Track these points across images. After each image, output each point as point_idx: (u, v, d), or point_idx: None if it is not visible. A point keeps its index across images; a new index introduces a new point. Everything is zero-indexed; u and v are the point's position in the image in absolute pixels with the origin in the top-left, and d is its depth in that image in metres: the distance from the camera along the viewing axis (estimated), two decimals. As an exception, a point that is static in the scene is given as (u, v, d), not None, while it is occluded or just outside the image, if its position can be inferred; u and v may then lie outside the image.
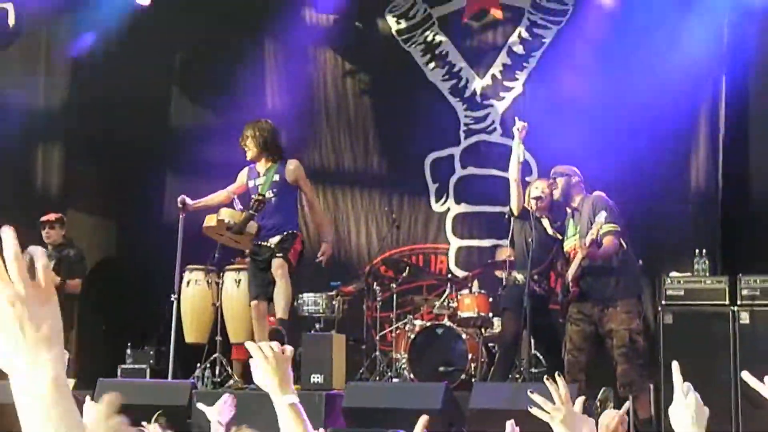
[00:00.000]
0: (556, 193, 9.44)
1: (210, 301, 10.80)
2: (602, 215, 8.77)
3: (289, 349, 3.20)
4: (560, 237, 9.44)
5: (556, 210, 9.52)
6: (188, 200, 9.96)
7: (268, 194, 9.49)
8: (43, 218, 10.97)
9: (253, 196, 9.51)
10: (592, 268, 9.09)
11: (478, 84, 12.49)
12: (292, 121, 12.63)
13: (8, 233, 1.39)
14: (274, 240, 9.47)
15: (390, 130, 12.65)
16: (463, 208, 12.38)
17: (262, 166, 9.66)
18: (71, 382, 10.56)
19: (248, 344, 3.23)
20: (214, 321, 10.76)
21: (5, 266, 1.38)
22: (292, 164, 9.65)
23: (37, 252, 1.45)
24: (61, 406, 1.36)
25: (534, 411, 3.35)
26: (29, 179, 13.02)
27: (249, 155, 9.68)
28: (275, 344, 3.20)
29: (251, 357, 3.18)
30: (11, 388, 1.40)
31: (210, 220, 9.64)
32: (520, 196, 9.46)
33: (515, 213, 9.50)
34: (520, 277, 9.47)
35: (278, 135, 9.85)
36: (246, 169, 9.86)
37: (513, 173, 9.48)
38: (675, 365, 3.03)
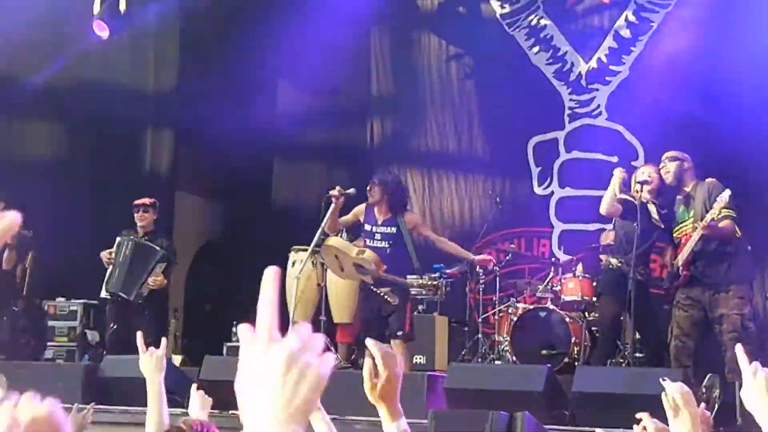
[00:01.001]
0: (669, 177, 9.29)
1: (315, 282, 10.94)
2: (726, 194, 8.67)
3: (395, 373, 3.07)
4: (662, 226, 9.34)
5: (663, 196, 9.41)
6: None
7: (385, 244, 9.43)
8: (138, 201, 10.93)
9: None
10: (704, 253, 8.97)
11: (583, 68, 12.42)
12: (397, 106, 12.72)
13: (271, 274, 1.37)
14: (384, 290, 9.39)
15: (493, 115, 12.67)
16: (567, 192, 12.35)
17: (381, 214, 9.53)
18: (178, 358, 10.83)
19: (374, 347, 3.15)
20: (319, 301, 10.90)
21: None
22: (412, 216, 9.66)
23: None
24: None
25: (666, 397, 3.33)
26: (138, 163, 13.33)
27: (371, 200, 9.53)
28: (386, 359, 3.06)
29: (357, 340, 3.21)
30: None
31: (345, 248, 9.55)
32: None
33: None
34: (614, 261, 9.42)
35: (406, 192, 9.93)
36: (364, 207, 9.65)
37: (603, 208, 9.41)
38: (739, 348, 3.00)
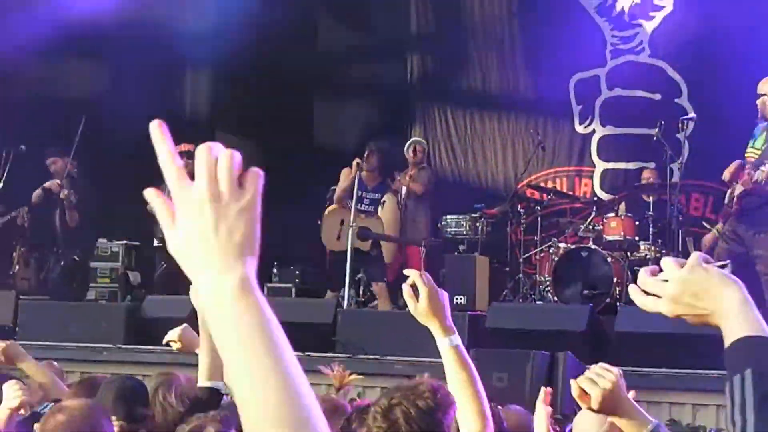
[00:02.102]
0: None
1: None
2: None
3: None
4: None
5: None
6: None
7: (372, 209, 10.31)
8: (182, 148, 10.91)
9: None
10: (760, 190, 8.78)
11: (626, 3, 12.20)
12: (438, 42, 12.58)
13: (224, 151, 1.37)
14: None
15: (535, 52, 12.49)
16: (609, 130, 12.20)
17: (371, 180, 10.28)
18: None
19: (410, 272, 3.25)
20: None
21: (217, 165, 1.35)
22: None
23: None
24: (247, 315, 1.32)
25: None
26: (179, 104, 13.31)
27: (367, 166, 10.22)
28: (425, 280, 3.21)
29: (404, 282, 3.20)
30: (198, 291, 1.37)
31: (337, 214, 10.23)
32: None
33: None
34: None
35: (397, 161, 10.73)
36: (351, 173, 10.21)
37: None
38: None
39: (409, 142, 11.61)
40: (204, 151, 1.37)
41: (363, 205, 10.16)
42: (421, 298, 3.16)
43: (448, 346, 3.16)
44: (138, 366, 8.67)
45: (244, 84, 12.90)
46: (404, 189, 11.20)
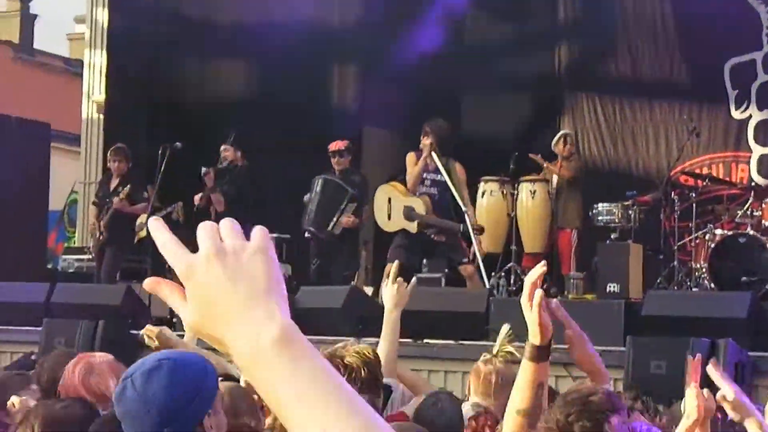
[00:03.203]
0: None
1: (505, 212, 10.85)
2: None
3: None
4: None
5: None
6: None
7: (434, 190, 9.87)
8: (332, 147, 10.89)
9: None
10: None
11: (782, -16, 11.85)
12: (586, 30, 12.41)
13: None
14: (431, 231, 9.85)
15: (688, 37, 12.21)
16: (766, 114, 11.85)
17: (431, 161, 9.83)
18: (369, 290, 10.90)
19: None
20: (509, 231, 10.82)
21: (217, 228, 1.29)
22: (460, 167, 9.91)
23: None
24: (300, 364, 1.20)
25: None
26: (324, 98, 13.41)
27: (425, 147, 9.83)
28: None
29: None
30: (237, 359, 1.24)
31: (402, 191, 9.98)
32: None
33: None
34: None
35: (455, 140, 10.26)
36: (414, 155, 10.01)
37: None
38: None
39: (557, 135, 11.48)
40: (203, 225, 1.30)
41: (423, 187, 9.92)
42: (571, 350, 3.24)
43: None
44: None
45: (392, 78, 12.91)
46: (554, 178, 11.08)
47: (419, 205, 9.80)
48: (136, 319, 10.21)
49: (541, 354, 2.99)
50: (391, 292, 4.81)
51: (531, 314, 2.95)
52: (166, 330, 5.70)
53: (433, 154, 9.67)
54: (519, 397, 2.99)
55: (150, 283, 1.31)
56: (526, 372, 3.00)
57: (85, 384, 4.52)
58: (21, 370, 5.46)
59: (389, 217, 10.00)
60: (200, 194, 11.28)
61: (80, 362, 4.69)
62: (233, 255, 1.26)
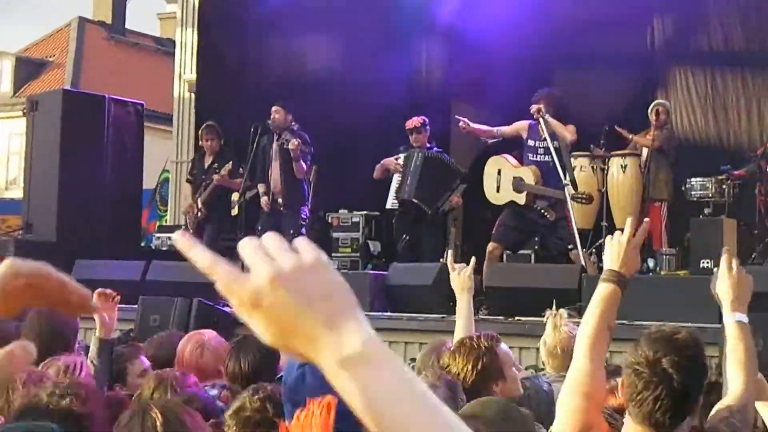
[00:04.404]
0: None
1: (596, 187, 10.77)
2: None
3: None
4: None
5: None
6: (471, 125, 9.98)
7: (548, 158, 9.44)
8: (409, 125, 10.80)
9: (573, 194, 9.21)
10: None
11: None
12: (677, 4, 12.23)
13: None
14: (542, 203, 9.54)
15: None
16: None
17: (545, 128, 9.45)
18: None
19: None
20: (600, 206, 10.74)
21: (262, 246, 1.27)
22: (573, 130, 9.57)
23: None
24: (387, 373, 1.23)
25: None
26: (416, 73, 13.38)
27: (537, 114, 9.46)
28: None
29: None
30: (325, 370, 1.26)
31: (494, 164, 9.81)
32: None
33: None
34: None
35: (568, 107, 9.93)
36: (527, 123, 9.66)
37: None
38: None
39: (652, 104, 11.30)
40: (244, 244, 1.28)
41: (537, 155, 9.60)
42: (724, 273, 3.43)
43: (735, 320, 3.40)
44: (384, 333, 8.81)
45: (481, 52, 12.84)
46: (644, 151, 10.95)
47: (528, 175, 9.60)
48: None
49: (622, 282, 3.23)
50: (454, 280, 4.98)
51: (626, 245, 3.27)
52: None
53: (542, 120, 9.41)
54: (609, 315, 3.20)
55: (189, 247, 1.29)
56: (612, 295, 3.22)
57: (199, 361, 4.67)
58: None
59: (498, 189, 9.90)
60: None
61: (191, 340, 4.83)
62: (294, 275, 1.25)
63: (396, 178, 10.72)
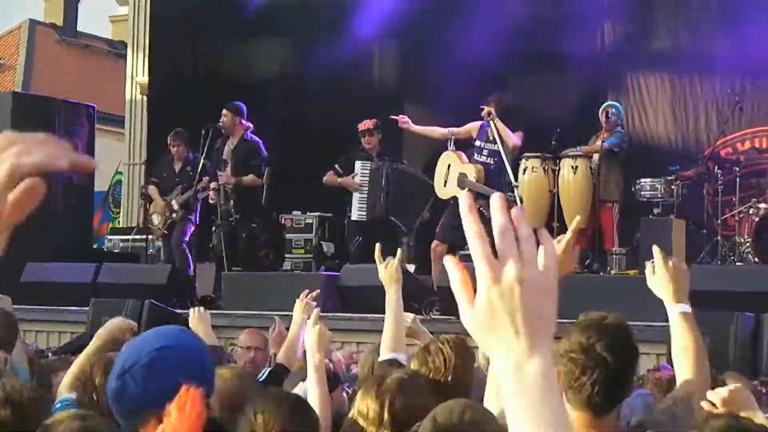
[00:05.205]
0: None
1: (547, 188, 10.82)
2: None
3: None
4: None
5: None
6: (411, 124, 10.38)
7: (491, 161, 9.83)
8: (362, 127, 10.90)
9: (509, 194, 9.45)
10: None
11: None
12: (627, 8, 12.35)
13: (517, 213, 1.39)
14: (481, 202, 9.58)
15: (730, 8, 12.07)
16: (812, 88, 11.73)
17: (492, 131, 9.75)
18: (411, 267, 10.96)
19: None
20: (551, 207, 10.79)
21: (520, 246, 1.36)
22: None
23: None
24: (548, 398, 1.35)
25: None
26: (366, 75, 13.32)
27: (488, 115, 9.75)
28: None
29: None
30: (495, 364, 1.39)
31: (460, 157, 9.94)
32: None
33: None
34: None
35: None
36: (479, 124, 9.96)
37: None
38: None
39: (602, 106, 11.37)
40: (505, 229, 1.38)
41: (481, 156, 9.95)
42: (661, 268, 3.49)
43: (679, 312, 3.46)
44: (337, 333, 8.81)
45: (432, 55, 12.90)
46: (596, 155, 11.02)
47: (472, 172, 9.79)
48: (181, 299, 10.36)
49: None
50: (382, 274, 4.91)
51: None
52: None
53: (491, 123, 9.65)
54: None
55: (450, 262, 1.43)
56: None
57: None
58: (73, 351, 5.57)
59: (445, 184, 10.01)
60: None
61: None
62: (529, 287, 1.36)
63: (360, 194, 10.81)
